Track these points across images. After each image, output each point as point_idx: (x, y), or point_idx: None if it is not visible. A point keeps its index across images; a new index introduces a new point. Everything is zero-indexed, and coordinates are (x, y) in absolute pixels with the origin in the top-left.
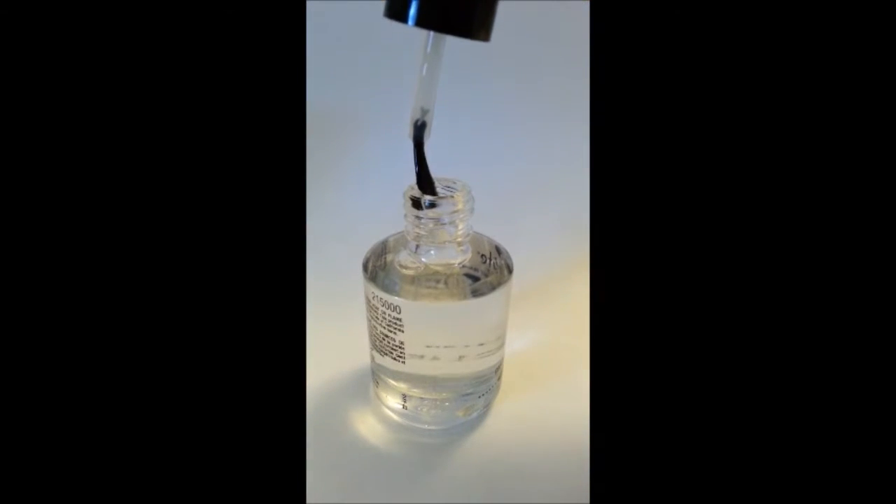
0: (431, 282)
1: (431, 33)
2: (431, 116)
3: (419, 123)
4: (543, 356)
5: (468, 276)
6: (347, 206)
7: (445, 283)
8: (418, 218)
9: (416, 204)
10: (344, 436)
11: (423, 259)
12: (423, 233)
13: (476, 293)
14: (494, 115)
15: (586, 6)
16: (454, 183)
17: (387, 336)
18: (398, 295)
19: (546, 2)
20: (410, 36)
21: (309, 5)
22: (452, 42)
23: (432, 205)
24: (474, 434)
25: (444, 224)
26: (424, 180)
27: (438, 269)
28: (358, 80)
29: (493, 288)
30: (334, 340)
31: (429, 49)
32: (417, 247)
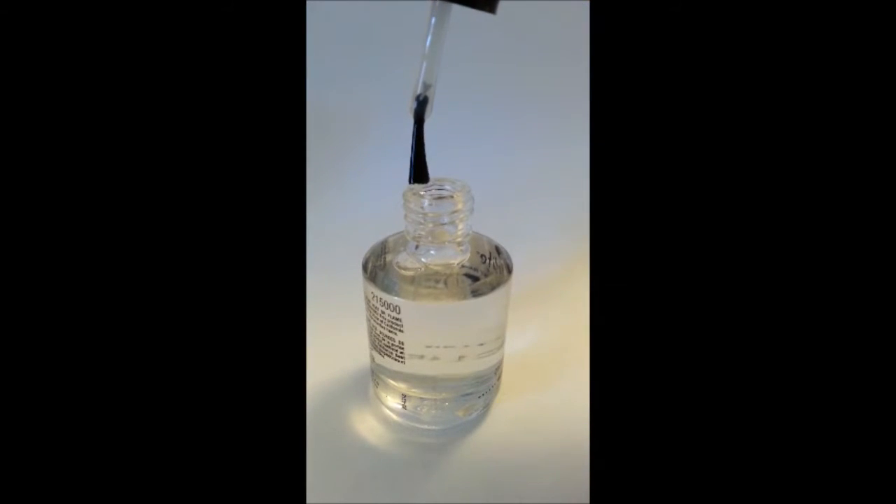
0: (431, 282)
1: (437, 3)
2: (433, 92)
3: (421, 98)
4: (543, 356)
5: (468, 276)
6: (347, 206)
7: (445, 283)
8: (417, 212)
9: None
10: (344, 436)
11: (422, 259)
12: (422, 233)
13: (476, 293)
14: (494, 114)
15: (586, 6)
16: (454, 183)
17: (386, 336)
18: (398, 295)
19: (546, 2)
20: (410, 35)
21: (309, 5)
22: (451, 38)
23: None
24: (474, 434)
25: (444, 224)
26: (419, 163)
27: (438, 269)
28: (358, 80)
29: (492, 288)
30: (334, 340)
31: (433, 20)
32: (417, 247)
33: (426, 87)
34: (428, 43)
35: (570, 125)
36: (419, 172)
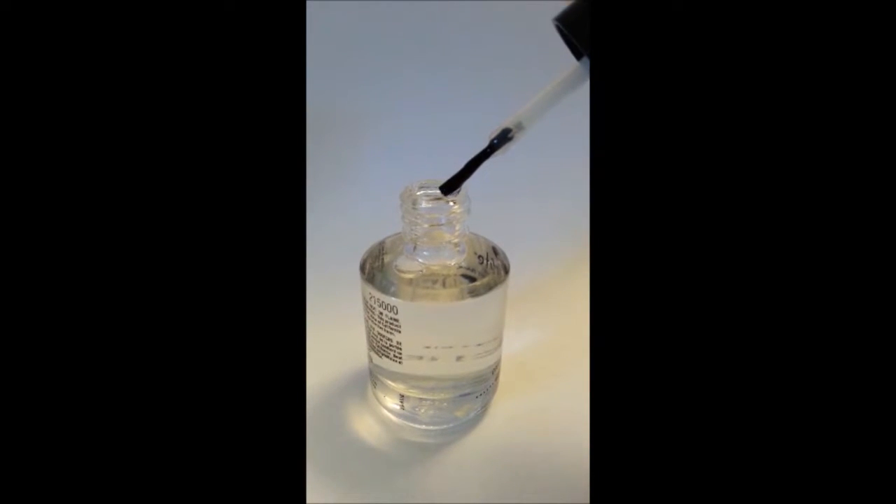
0: (428, 282)
1: (588, 62)
2: (521, 136)
3: (508, 135)
4: (540, 356)
5: (465, 276)
6: (347, 206)
7: (443, 283)
8: (416, 210)
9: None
10: (342, 436)
11: (419, 260)
12: (419, 234)
13: (473, 294)
14: (492, 113)
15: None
16: None
17: (384, 337)
18: (395, 296)
19: (546, 2)
20: (410, 36)
21: (309, 5)
22: (451, 39)
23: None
24: (472, 434)
25: (441, 225)
26: (459, 177)
27: (435, 269)
28: (358, 80)
29: (489, 288)
30: (332, 341)
31: (571, 74)
32: (415, 248)
33: (518, 126)
34: (549, 88)
35: (568, 124)
36: (452, 184)
